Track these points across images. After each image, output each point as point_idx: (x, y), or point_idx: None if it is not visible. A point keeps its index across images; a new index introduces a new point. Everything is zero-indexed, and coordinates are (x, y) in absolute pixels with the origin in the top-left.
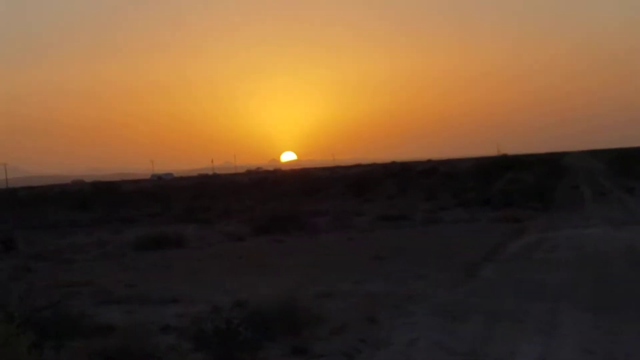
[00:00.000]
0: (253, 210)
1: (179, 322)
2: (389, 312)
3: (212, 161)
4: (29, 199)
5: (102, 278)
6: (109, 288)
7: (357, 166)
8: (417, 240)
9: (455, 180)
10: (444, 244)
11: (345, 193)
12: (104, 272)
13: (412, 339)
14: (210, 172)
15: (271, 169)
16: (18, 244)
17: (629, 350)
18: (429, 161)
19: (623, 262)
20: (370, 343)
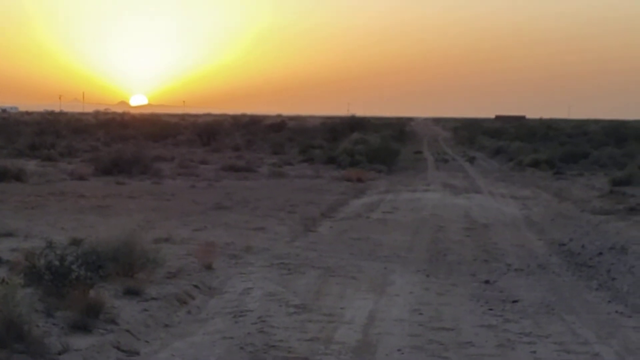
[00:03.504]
0: (97, 150)
1: (11, 256)
2: (226, 261)
3: (59, 98)
4: None
5: None
6: None
7: (207, 115)
8: (261, 193)
9: (303, 137)
10: (287, 198)
11: (193, 141)
12: None
13: (247, 288)
14: (57, 110)
15: (120, 111)
16: None
17: (455, 313)
18: (279, 116)
19: (458, 227)
20: (204, 290)
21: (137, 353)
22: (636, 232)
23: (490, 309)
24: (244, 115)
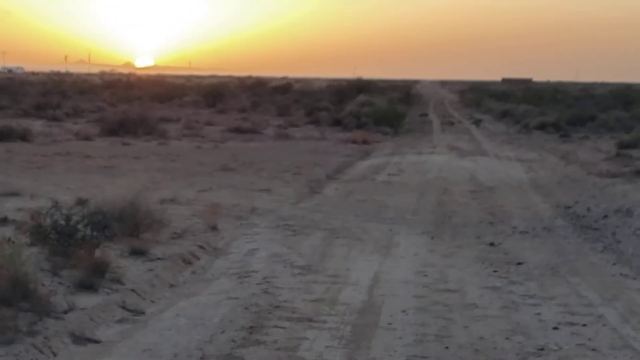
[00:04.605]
0: (103, 111)
1: (17, 216)
2: (232, 222)
3: (65, 58)
4: None
5: None
6: None
7: (213, 77)
8: (266, 155)
9: (309, 99)
10: (292, 160)
11: (199, 102)
12: None
13: (252, 249)
14: (63, 70)
15: (126, 71)
16: None
17: (460, 275)
18: (285, 78)
19: (464, 190)
20: (209, 250)
21: (143, 312)
22: None
23: (495, 271)
24: (249, 77)
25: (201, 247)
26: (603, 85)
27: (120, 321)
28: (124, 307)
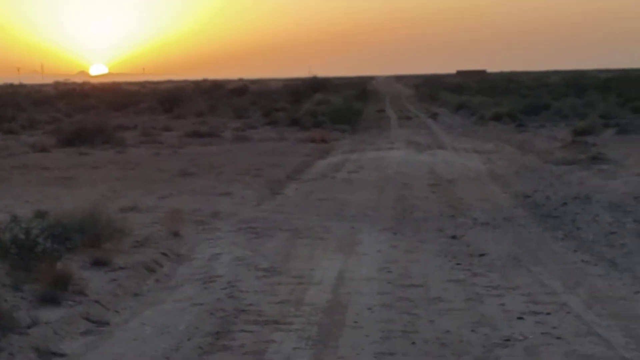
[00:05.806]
0: (59, 122)
1: None
2: (193, 227)
3: (18, 70)
4: None
5: None
6: None
7: (168, 82)
8: (225, 158)
9: (265, 100)
10: (251, 162)
11: (155, 108)
12: None
13: (215, 254)
14: (16, 82)
15: (80, 81)
16: None
17: (424, 269)
18: (241, 80)
19: (424, 184)
20: (172, 257)
21: (107, 323)
22: (599, 181)
23: (458, 264)
24: (205, 81)
25: (164, 254)
26: (556, 73)
27: (85, 333)
28: (88, 319)
